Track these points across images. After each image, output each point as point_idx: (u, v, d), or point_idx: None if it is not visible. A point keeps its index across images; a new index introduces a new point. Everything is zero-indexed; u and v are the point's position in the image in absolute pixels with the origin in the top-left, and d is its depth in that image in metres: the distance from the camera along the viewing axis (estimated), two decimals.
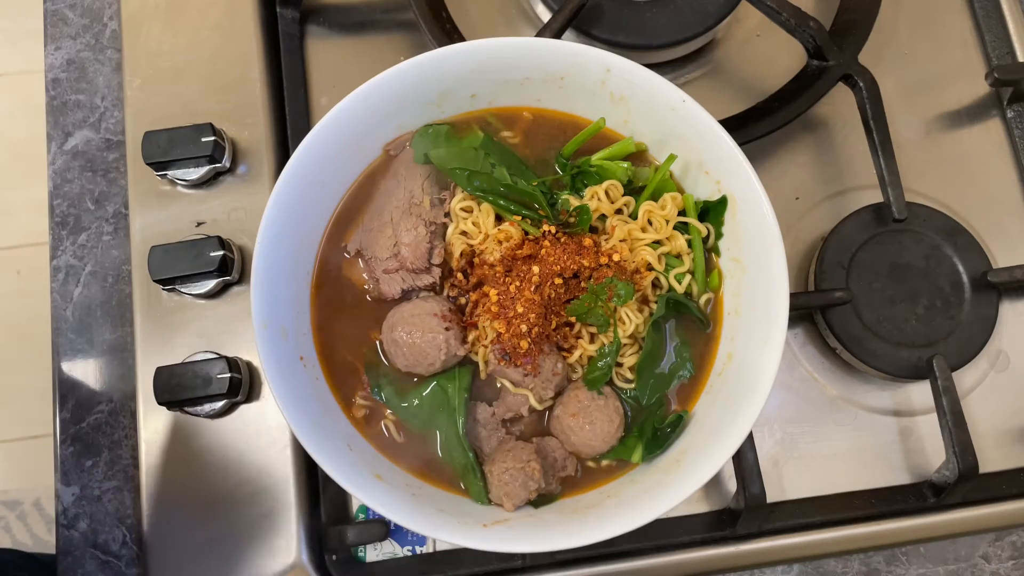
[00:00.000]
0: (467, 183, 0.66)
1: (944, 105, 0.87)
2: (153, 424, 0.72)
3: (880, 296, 0.76)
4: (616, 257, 0.64)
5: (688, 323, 0.67)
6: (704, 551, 0.73)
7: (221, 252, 0.72)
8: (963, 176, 0.84)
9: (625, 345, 0.64)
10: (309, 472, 0.73)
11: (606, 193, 0.67)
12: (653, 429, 0.64)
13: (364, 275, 0.67)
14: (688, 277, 0.65)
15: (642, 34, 0.80)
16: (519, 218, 0.65)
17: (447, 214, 0.68)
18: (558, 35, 0.75)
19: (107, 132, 0.82)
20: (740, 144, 0.62)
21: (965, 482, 0.72)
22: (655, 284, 0.66)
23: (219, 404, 0.71)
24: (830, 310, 0.76)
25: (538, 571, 0.72)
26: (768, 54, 0.86)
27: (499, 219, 0.67)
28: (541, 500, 0.63)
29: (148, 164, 0.75)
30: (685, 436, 0.64)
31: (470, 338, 0.64)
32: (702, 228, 0.66)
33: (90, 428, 0.75)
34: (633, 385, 0.65)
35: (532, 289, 0.62)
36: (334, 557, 0.71)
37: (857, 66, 0.78)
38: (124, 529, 0.73)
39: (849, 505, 0.75)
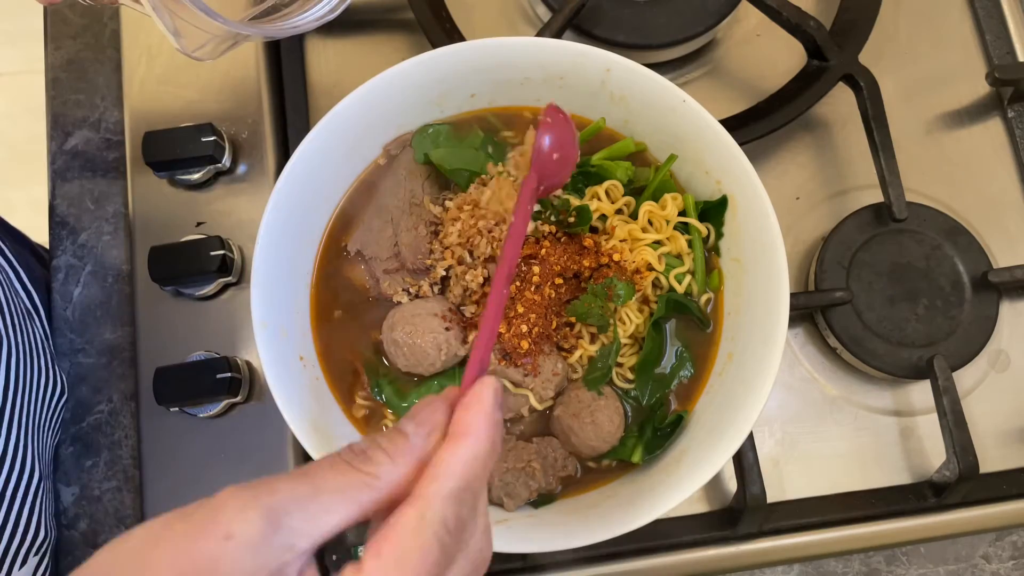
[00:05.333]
0: (467, 183, 0.66)
1: (944, 105, 0.86)
2: (153, 424, 0.72)
3: (880, 296, 0.76)
4: (616, 257, 0.64)
5: (688, 323, 0.67)
6: (704, 551, 0.73)
7: (221, 252, 0.72)
8: (963, 176, 0.84)
9: (625, 345, 0.64)
10: None
11: (606, 193, 0.67)
12: (653, 429, 0.64)
13: (364, 275, 0.67)
14: (688, 277, 0.65)
15: (642, 34, 0.80)
16: None
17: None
18: (558, 35, 0.75)
19: (107, 132, 0.82)
20: (740, 144, 0.62)
21: (965, 482, 0.72)
22: (655, 284, 0.66)
23: (219, 404, 0.71)
24: (830, 310, 0.76)
25: (538, 571, 0.72)
26: (768, 54, 0.86)
27: None
28: (541, 500, 0.63)
29: (148, 164, 0.75)
30: (685, 436, 0.64)
31: (470, 338, 0.64)
32: (702, 228, 0.66)
33: (90, 428, 0.75)
34: (633, 385, 0.65)
35: (532, 289, 0.62)
36: (334, 557, 0.71)
37: (857, 66, 0.78)
38: (124, 529, 0.73)
39: (849, 505, 0.75)
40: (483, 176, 0.67)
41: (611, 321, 0.63)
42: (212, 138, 0.74)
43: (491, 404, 0.40)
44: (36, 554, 0.67)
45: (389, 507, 0.37)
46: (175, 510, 0.35)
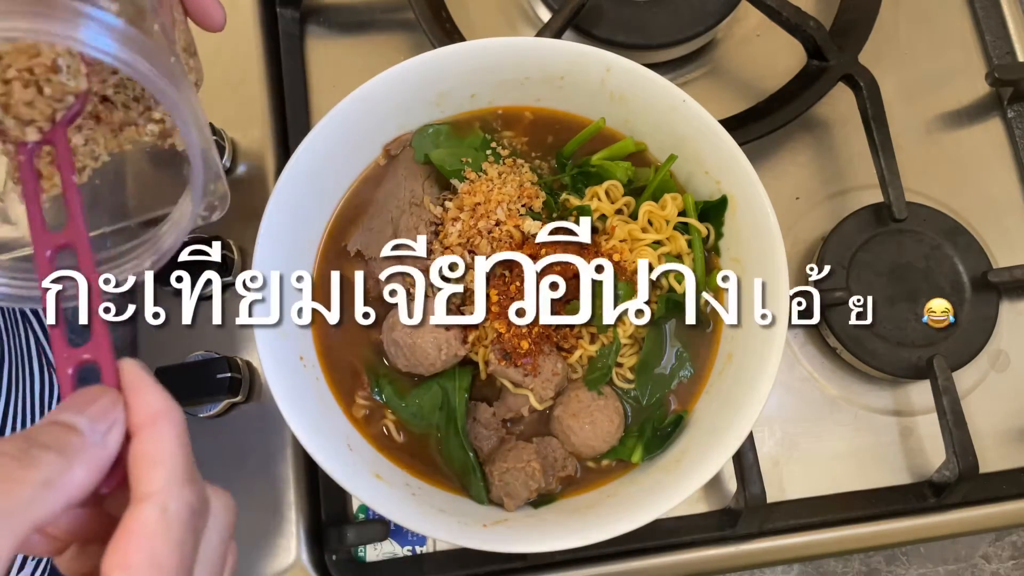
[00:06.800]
0: None
1: (944, 105, 0.87)
2: None
3: (880, 296, 0.76)
4: (616, 257, 0.64)
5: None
6: (704, 551, 0.73)
7: (221, 252, 0.72)
8: (963, 176, 0.84)
9: (625, 345, 0.64)
10: (309, 472, 0.73)
11: (606, 193, 0.67)
12: (653, 429, 0.64)
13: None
14: None
15: (642, 34, 0.80)
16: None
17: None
18: (558, 35, 0.75)
19: None
20: (740, 144, 0.62)
21: (965, 482, 0.72)
22: (655, 284, 0.65)
23: (219, 404, 0.71)
24: (830, 310, 0.76)
25: (538, 571, 0.72)
26: (768, 54, 0.86)
27: None
28: (541, 500, 0.63)
29: None
30: (685, 436, 0.64)
31: (470, 338, 0.64)
32: (702, 228, 0.66)
33: None
34: (633, 385, 0.65)
35: None
36: (334, 557, 0.71)
37: (857, 66, 0.78)
38: None
39: (849, 505, 0.75)
40: (469, 170, 0.67)
41: None
42: (212, 137, 0.74)
43: (150, 379, 0.39)
44: (34, 559, 0.67)
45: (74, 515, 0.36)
46: None
